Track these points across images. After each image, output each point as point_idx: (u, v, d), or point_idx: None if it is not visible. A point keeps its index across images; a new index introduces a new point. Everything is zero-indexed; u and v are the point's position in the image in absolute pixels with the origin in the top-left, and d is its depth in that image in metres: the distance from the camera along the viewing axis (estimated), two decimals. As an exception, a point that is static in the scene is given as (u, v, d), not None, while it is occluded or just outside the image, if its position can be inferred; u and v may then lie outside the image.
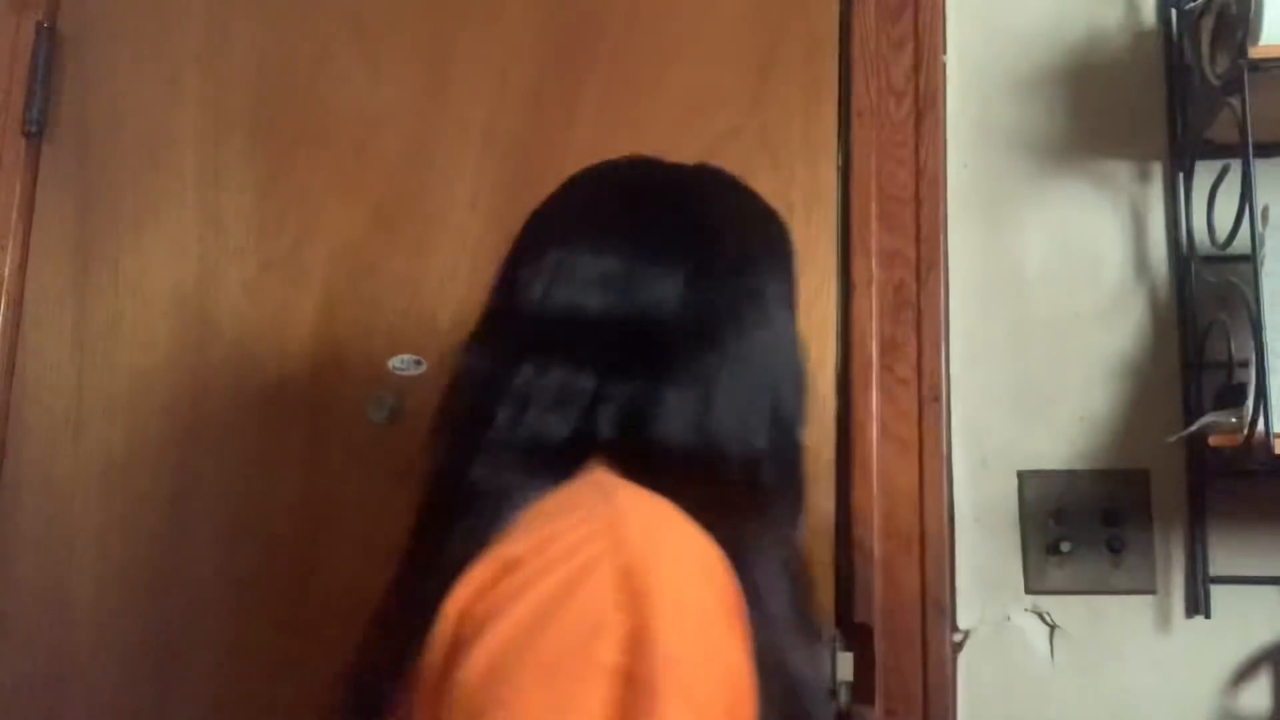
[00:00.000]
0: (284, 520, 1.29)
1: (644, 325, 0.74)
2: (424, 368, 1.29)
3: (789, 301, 0.84)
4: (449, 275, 1.31)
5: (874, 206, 1.26)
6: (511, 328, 0.77)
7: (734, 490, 0.71)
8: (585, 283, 0.75)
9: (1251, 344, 1.05)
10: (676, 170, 0.87)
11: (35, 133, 1.42)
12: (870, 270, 1.25)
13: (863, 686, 1.17)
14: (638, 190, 0.84)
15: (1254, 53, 1.05)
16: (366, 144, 1.36)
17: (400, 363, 1.29)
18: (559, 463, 0.69)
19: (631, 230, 0.79)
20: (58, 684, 1.29)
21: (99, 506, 1.33)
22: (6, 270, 1.39)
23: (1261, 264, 1.06)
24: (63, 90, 1.44)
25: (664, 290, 0.74)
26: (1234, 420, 1.06)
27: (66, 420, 1.36)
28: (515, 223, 1.32)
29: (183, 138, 1.40)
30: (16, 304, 1.40)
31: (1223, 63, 1.11)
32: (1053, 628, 1.19)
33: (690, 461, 0.71)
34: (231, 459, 1.31)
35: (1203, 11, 1.16)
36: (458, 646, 0.60)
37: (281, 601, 1.27)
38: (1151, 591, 1.18)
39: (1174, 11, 1.26)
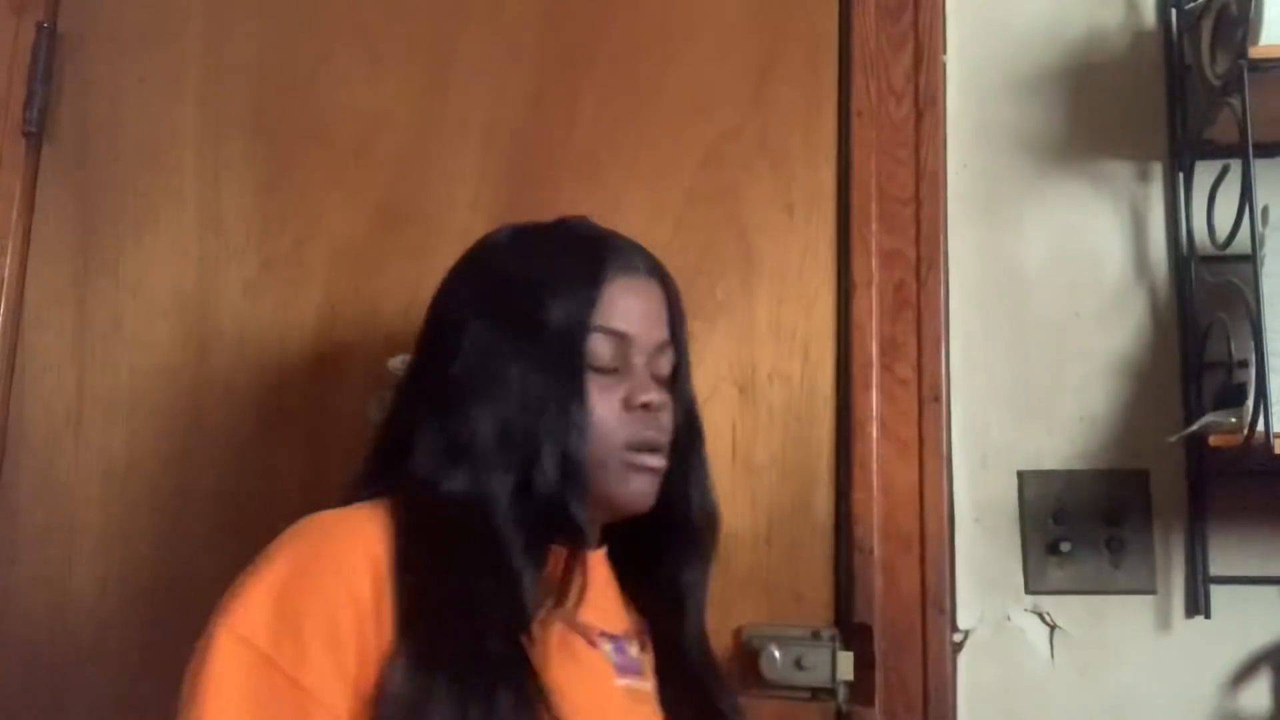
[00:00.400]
0: (284, 520, 1.28)
1: (430, 374, 0.88)
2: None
3: (576, 336, 0.86)
4: (449, 275, 1.31)
5: (874, 206, 1.26)
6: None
7: (446, 528, 0.80)
8: (419, 339, 0.95)
9: (1251, 344, 1.05)
10: (512, 229, 0.97)
11: (35, 133, 1.42)
12: (870, 270, 1.25)
13: (863, 686, 1.17)
14: (468, 255, 0.97)
15: (1254, 53, 1.05)
16: (367, 144, 1.36)
17: (400, 363, 1.29)
18: (360, 494, 0.85)
19: (444, 290, 0.95)
20: (58, 684, 1.29)
21: (99, 506, 1.33)
22: (6, 270, 1.39)
23: (1261, 264, 1.06)
24: (63, 90, 1.44)
25: (450, 340, 0.87)
26: (1234, 420, 1.06)
27: (67, 420, 1.36)
28: (515, 222, 1.32)
29: (183, 138, 1.40)
30: (16, 304, 1.40)
31: (1223, 63, 1.11)
32: (1053, 628, 1.19)
33: (420, 497, 0.82)
34: (232, 459, 1.31)
35: (1203, 11, 1.16)
36: None
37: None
38: (1151, 591, 1.18)
39: (1174, 11, 1.26)
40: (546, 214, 1.33)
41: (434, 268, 1.31)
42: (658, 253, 1.29)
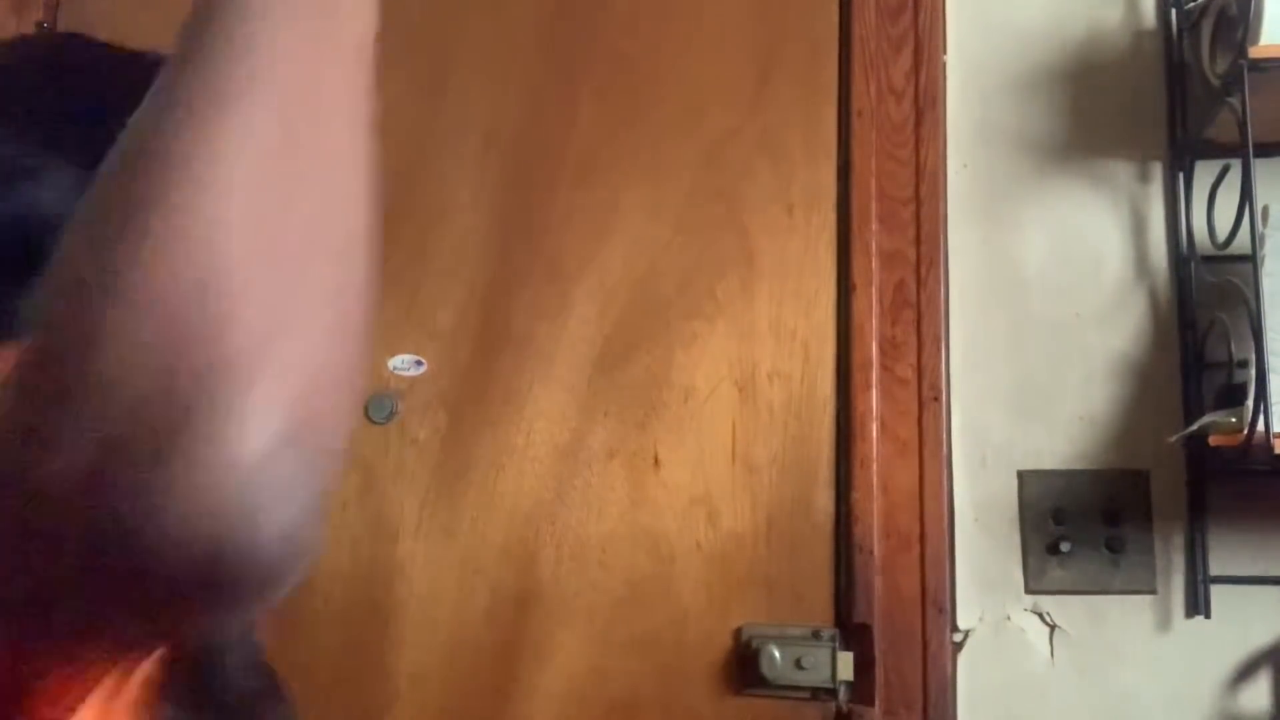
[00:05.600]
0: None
1: None
2: (424, 368, 1.29)
3: None
4: (449, 275, 1.32)
5: (874, 206, 1.26)
6: None
7: None
8: None
9: (1251, 344, 1.05)
10: None
11: (35, 133, 1.42)
12: (870, 270, 1.25)
13: (863, 686, 1.17)
14: None
15: (1254, 52, 1.05)
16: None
17: (400, 363, 1.29)
18: None
19: None
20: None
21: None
22: (6, 270, 1.39)
23: (1261, 264, 1.06)
24: (63, 90, 1.44)
25: None
26: (1234, 420, 1.06)
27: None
28: (515, 223, 1.32)
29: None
30: (16, 304, 1.39)
31: (1223, 62, 1.11)
32: (1053, 628, 1.19)
33: None
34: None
35: (1203, 11, 1.17)
36: None
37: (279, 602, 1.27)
38: (1151, 591, 1.18)
39: (1174, 11, 1.26)
40: (546, 214, 1.34)
41: (433, 268, 1.32)
42: (658, 252, 1.30)
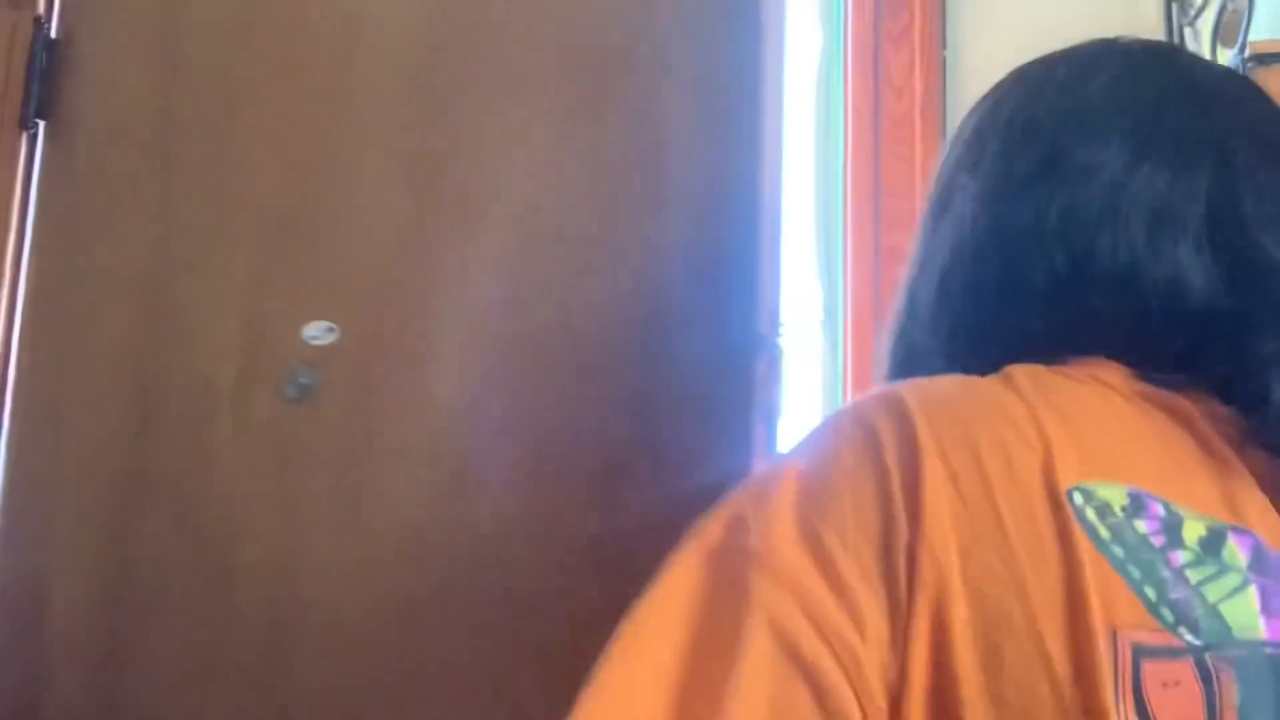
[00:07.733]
0: (250, 519, 1.27)
1: None
2: (337, 335, 1.20)
3: None
4: (359, 229, 1.25)
5: (874, 203, 1.26)
6: None
7: None
8: None
9: (1252, 340, 1.04)
10: None
11: (32, 128, 1.42)
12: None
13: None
14: None
15: (1255, 47, 1.05)
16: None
17: (314, 331, 1.20)
18: None
19: None
20: (35, 681, 1.28)
21: (92, 502, 1.32)
22: (7, 264, 1.39)
23: (1262, 260, 1.05)
24: (60, 85, 1.44)
25: None
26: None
27: (53, 415, 1.34)
28: (433, 177, 1.27)
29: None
30: (12, 300, 1.39)
31: (1224, 57, 1.11)
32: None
33: None
34: (182, 450, 1.28)
35: (1203, 6, 1.16)
36: None
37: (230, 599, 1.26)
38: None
39: (1174, 6, 1.26)
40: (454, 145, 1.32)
41: (342, 223, 1.29)
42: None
